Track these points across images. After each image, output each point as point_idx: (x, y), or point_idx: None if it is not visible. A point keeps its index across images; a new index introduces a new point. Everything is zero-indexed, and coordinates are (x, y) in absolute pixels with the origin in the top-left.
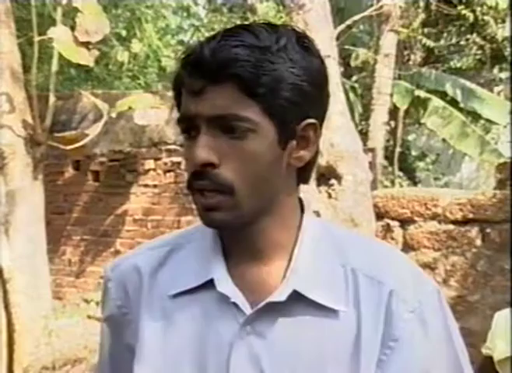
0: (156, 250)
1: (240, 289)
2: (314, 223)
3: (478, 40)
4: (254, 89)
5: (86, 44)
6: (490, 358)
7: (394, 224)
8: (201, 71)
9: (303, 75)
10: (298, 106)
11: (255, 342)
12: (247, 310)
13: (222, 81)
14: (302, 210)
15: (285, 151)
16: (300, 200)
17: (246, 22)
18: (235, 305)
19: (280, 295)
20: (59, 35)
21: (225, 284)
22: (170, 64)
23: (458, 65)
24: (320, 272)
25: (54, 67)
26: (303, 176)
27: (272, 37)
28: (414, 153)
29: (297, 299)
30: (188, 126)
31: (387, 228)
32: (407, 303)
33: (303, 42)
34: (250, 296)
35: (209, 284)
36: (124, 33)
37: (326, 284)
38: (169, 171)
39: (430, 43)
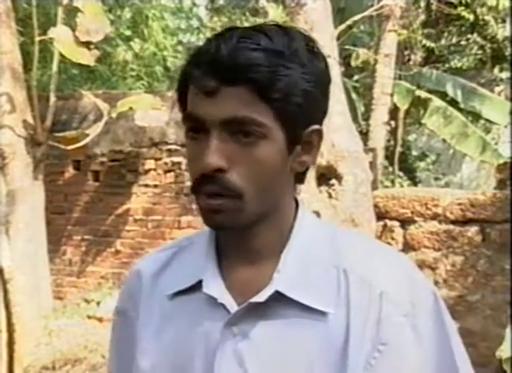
0: (163, 252)
1: (231, 290)
2: (310, 223)
3: (478, 39)
4: (268, 94)
5: (87, 44)
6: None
7: (395, 224)
8: (217, 71)
9: (312, 81)
10: (307, 111)
11: (240, 342)
12: (234, 311)
13: (237, 84)
14: (296, 210)
15: (291, 156)
16: (296, 200)
17: (245, 23)
18: (223, 305)
19: (262, 296)
20: (60, 35)
21: (212, 285)
22: (175, 64)
23: (459, 65)
24: (311, 273)
25: (55, 67)
26: (300, 177)
27: (285, 41)
28: (414, 153)
29: (282, 300)
30: (196, 126)
31: (388, 228)
32: (399, 306)
33: (311, 45)
34: (240, 297)
35: (201, 285)
36: (128, 32)
37: (316, 286)
38: (169, 171)
39: (431, 44)
